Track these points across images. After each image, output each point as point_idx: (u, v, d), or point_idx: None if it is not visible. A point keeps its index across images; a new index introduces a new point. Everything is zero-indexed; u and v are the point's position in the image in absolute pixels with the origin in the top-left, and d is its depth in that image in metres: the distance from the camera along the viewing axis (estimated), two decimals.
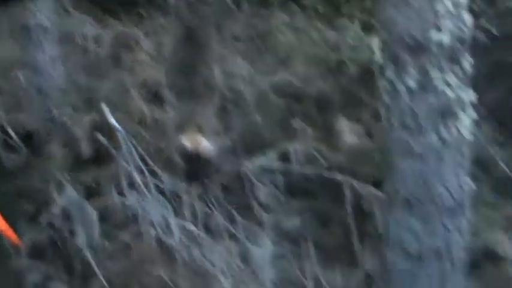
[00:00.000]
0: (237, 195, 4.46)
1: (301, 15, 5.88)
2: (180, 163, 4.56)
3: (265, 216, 4.34)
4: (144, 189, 4.32)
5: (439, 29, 3.16)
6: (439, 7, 3.15)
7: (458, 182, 3.27)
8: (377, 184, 4.04)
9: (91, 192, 4.46)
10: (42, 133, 5.00)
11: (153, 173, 4.40)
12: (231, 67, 5.22)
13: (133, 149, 4.42)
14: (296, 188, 4.49)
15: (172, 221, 4.22)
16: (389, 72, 3.24)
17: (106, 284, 4.07)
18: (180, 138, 4.61)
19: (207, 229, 4.28)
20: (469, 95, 3.26)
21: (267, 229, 4.27)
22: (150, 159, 4.45)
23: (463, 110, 3.24)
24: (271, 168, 4.51)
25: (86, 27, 5.85)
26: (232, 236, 4.25)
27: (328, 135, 4.80)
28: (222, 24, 5.38)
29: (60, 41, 5.20)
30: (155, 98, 5.15)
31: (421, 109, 3.21)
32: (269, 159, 4.56)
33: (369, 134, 4.77)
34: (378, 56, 3.45)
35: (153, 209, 4.25)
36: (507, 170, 4.44)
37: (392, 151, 3.30)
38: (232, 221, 4.31)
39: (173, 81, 4.84)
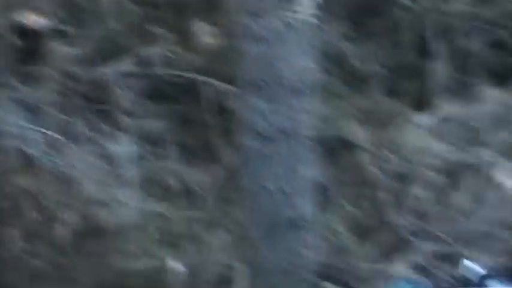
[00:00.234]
0: (97, 101, 4.46)
1: None
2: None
3: (126, 121, 4.36)
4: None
5: None
6: None
7: (302, 64, 3.41)
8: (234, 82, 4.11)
9: None
10: None
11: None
12: None
13: None
14: (156, 91, 4.52)
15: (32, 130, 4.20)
16: None
17: None
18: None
19: (68, 137, 4.27)
20: None
21: (130, 133, 4.30)
22: None
23: None
24: (130, 72, 4.51)
25: None
26: (95, 142, 4.26)
27: (185, 38, 4.82)
28: None
29: None
30: None
31: None
32: (127, 64, 4.56)
33: (226, 35, 4.81)
34: None
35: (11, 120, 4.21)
36: (358, 65, 4.61)
37: (238, 36, 3.42)
38: (94, 128, 4.31)
39: None
